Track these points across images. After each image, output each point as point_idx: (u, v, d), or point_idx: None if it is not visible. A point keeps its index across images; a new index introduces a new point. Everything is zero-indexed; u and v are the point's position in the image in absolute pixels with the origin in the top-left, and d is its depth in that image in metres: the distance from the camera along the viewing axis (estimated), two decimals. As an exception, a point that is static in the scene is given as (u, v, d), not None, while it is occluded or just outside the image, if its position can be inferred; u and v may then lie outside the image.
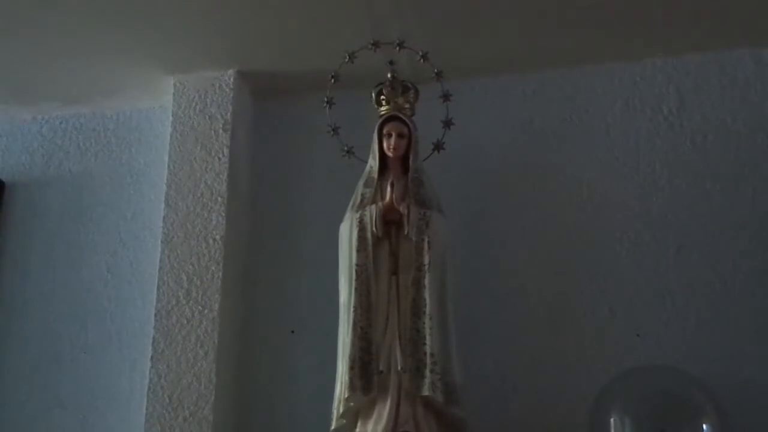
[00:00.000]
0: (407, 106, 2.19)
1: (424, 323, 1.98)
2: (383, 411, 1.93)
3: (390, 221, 2.06)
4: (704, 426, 1.91)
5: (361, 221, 2.07)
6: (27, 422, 2.46)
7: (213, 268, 2.36)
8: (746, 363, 2.15)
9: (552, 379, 2.21)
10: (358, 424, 1.96)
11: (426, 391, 1.92)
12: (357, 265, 2.03)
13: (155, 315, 2.34)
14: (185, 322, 2.33)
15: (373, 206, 2.08)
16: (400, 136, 2.13)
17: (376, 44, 2.19)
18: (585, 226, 2.37)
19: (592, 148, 2.45)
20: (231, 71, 2.55)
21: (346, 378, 1.95)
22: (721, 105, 2.41)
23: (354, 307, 2.01)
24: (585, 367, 2.18)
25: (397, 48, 2.19)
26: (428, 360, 1.95)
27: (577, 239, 2.36)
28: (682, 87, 2.44)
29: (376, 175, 2.15)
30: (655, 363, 2.10)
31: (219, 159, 2.48)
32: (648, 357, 2.13)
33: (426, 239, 2.04)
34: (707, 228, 2.30)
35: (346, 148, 2.25)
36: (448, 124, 2.22)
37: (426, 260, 2.02)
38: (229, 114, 2.52)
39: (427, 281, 2.01)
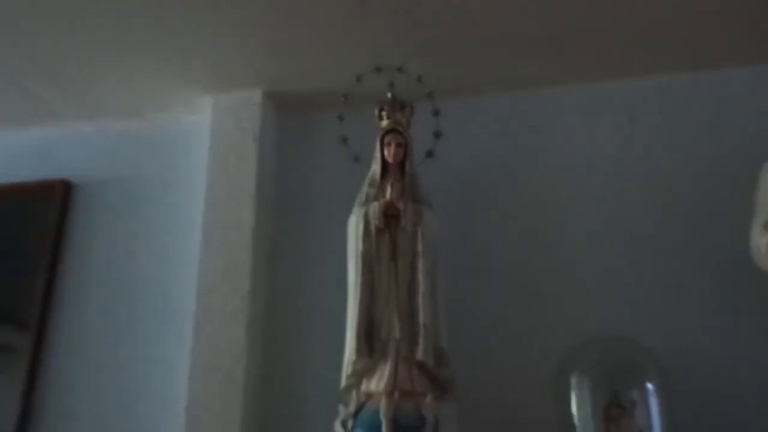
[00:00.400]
0: (404, 120, 2.26)
1: (418, 300, 2.05)
2: (384, 372, 2.00)
3: (390, 216, 2.13)
4: (648, 385, 1.99)
5: (366, 215, 2.14)
6: (91, 383, 2.50)
7: (244, 254, 2.42)
8: (685, 333, 2.19)
9: (523, 346, 2.27)
10: (363, 382, 2.03)
11: (420, 356, 2.00)
12: (363, 252, 2.10)
13: (197, 293, 2.41)
14: (221, 299, 2.38)
15: (376, 203, 2.15)
16: (398, 145, 2.21)
17: (378, 69, 2.25)
18: (550, 222, 2.42)
19: (557, 158, 2.49)
20: (259, 92, 2.61)
21: (354, 345, 2.03)
22: (666, 121, 2.46)
23: (360, 286, 2.08)
24: (551, 337, 2.24)
25: (397, 72, 2.25)
26: (421, 330, 2.02)
27: (543, 232, 2.41)
28: (635, 106, 2.49)
29: (378, 178, 2.22)
30: (609, 333, 2.15)
31: (249, 165, 2.54)
32: (603, 328, 2.18)
33: (420, 231, 2.11)
34: (654, 222, 2.35)
35: (354, 156, 2.29)
36: (437, 135, 2.26)
37: (419, 248, 2.10)
38: (257, 128, 2.58)
39: (420, 265, 2.08)
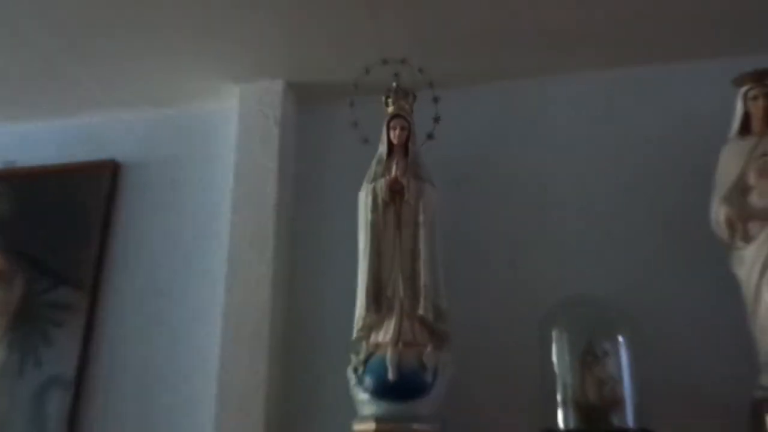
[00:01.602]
0: (407, 107, 2.24)
1: (419, 264, 2.05)
2: (390, 326, 2.01)
3: (395, 190, 2.12)
4: (620, 337, 1.99)
5: (374, 190, 2.13)
6: (137, 335, 2.51)
7: (268, 225, 2.41)
8: (651, 291, 2.19)
9: (510, 304, 2.26)
10: (372, 335, 2.04)
11: (421, 312, 2.01)
12: (371, 222, 2.10)
13: (227, 259, 2.41)
14: (248, 265, 2.38)
15: (383, 179, 2.14)
16: (402, 128, 2.20)
17: (385, 61, 2.23)
18: (534, 197, 2.40)
19: (542, 140, 2.47)
20: (281, 82, 2.59)
21: (363, 302, 2.04)
22: (640, 107, 2.43)
23: (369, 252, 2.08)
24: (534, 296, 2.21)
25: (401, 64, 2.24)
26: (422, 290, 2.02)
27: (528, 206, 2.39)
28: (612, 95, 2.46)
29: (384, 157, 2.21)
30: (585, 293, 2.13)
31: (272, 146, 2.53)
32: (579, 289, 2.15)
33: (421, 203, 2.10)
34: (625, 196, 2.33)
35: (363, 138, 2.27)
36: (437, 119, 2.25)
37: (421, 219, 2.09)
38: (279, 113, 2.56)
39: (421, 234, 2.08)
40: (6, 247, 2.70)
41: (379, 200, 2.13)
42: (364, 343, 2.06)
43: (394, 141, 2.22)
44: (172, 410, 2.38)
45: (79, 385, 2.45)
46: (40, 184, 2.77)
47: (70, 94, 2.73)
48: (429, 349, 2.00)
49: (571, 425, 1.93)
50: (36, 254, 2.66)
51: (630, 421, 1.92)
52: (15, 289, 2.63)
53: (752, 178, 1.98)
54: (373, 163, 2.24)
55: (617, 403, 1.92)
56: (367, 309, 2.04)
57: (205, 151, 2.73)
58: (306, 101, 2.67)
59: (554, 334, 2.05)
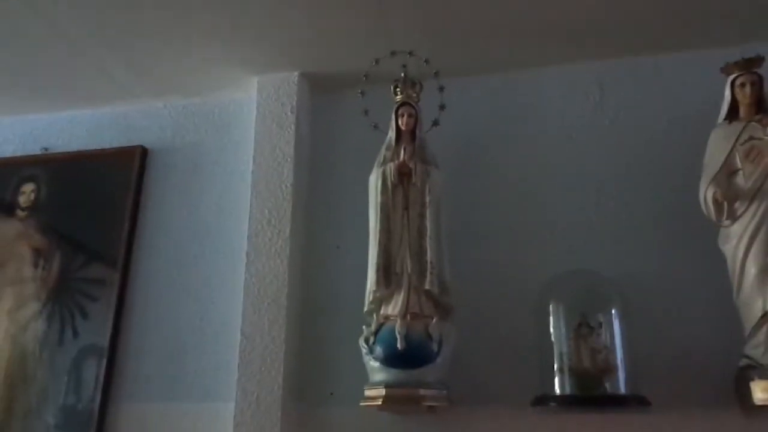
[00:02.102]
0: (414, 95, 2.24)
1: (425, 242, 2.06)
2: (399, 299, 2.03)
3: (403, 173, 2.13)
4: (612, 310, 2.01)
5: (383, 173, 2.14)
6: (166, 308, 2.52)
7: (285, 204, 2.41)
8: (642, 266, 2.16)
9: (510, 278, 2.23)
10: (382, 307, 2.05)
11: (427, 286, 2.02)
12: (381, 203, 2.11)
13: (247, 236, 2.39)
14: (267, 240, 2.37)
15: (392, 163, 2.15)
16: (410, 116, 2.20)
17: (393, 53, 2.23)
18: (533, 178, 2.37)
19: (540, 125, 2.43)
20: (296, 73, 2.57)
21: (374, 277, 2.05)
22: (630, 95, 2.39)
23: (379, 231, 2.09)
24: (533, 271, 2.19)
25: (408, 56, 2.23)
26: (428, 266, 2.03)
27: (527, 187, 2.36)
28: (603, 83, 2.43)
29: (393, 143, 2.21)
30: (580, 268, 2.12)
31: (288, 133, 2.51)
32: (575, 264, 2.15)
33: (427, 185, 2.11)
34: (618, 177, 2.30)
35: (373, 125, 2.28)
36: (442, 107, 2.25)
37: (427, 200, 2.10)
38: (295, 102, 2.54)
39: (427, 214, 2.09)
40: (44, 228, 2.71)
41: (389, 182, 2.13)
42: (374, 316, 2.07)
43: (402, 127, 2.22)
44: (198, 374, 2.40)
45: (113, 353, 2.48)
46: (75, 168, 2.77)
47: (103, 85, 2.71)
48: (434, 320, 2.01)
49: (567, 391, 1.94)
50: (71, 234, 2.67)
51: (622, 387, 1.92)
52: (53, 266, 2.65)
53: (738, 161, 1.98)
54: (383, 148, 2.23)
55: (610, 370, 1.92)
56: (378, 284, 2.04)
57: (227, 137, 2.73)
58: (320, 91, 2.65)
59: (551, 306, 2.05)
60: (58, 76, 2.67)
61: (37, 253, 2.68)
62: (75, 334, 2.52)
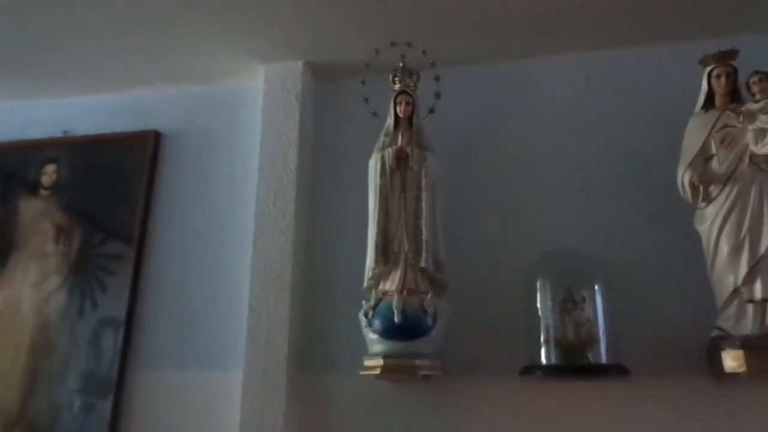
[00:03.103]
0: (412, 84, 2.25)
1: (421, 222, 2.07)
2: (396, 276, 2.05)
3: (401, 158, 2.14)
4: (596, 286, 2.02)
5: (382, 157, 2.15)
6: (179, 282, 2.52)
7: (289, 186, 2.41)
8: (624, 245, 2.17)
9: (501, 256, 2.25)
10: (380, 283, 2.07)
11: (423, 264, 2.04)
12: (379, 185, 2.12)
13: (254, 216, 2.41)
14: (272, 220, 2.38)
15: (390, 148, 2.16)
16: (407, 103, 2.22)
17: (392, 44, 2.24)
18: (523, 163, 2.37)
19: (530, 113, 2.43)
20: (301, 62, 2.57)
21: (373, 255, 2.07)
22: (615, 85, 2.39)
23: (377, 212, 2.10)
24: (521, 250, 2.20)
25: (407, 46, 2.24)
26: (424, 245, 2.05)
27: (517, 171, 2.36)
28: (590, 74, 2.43)
29: (391, 129, 2.22)
30: (566, 247, 2.14)
31: (293, 119, 2.51)
32: (562, 243, 2.16)
33: (423, 170, 2.12)
34: (603, 162, 2.30)
35: (373, 112, 2.28)
36: (438, 96, 2.25)
37: (423, 183, 2.11)
38: (299, 90, 2.54)
39: (424, 196, 2.10)
40: (65, 206, 2.73)
41: (387, 166, 2.14)
42: (373, 291, 2.08)
43: (400, 114, 2.22)
44: (208, 344, 2.42)
45: (129, 324, 2.51)
46: (93, 150, 2.78)
47: (120, 71, 2.72)
48: (429, 296, 2.03)
49: (553, 361, 1.97)
50: (91, 212, 2.69)
51: (604, 357, 1.95)
52: (74, 243, 2.67)
53: (714, 147, 2.00)
54: (382, 134, 2.24)
55: (593, 342, 1.95)
56: (376, 261, 2.06)
57: (235, 122, 2.72)
58: (323, 79, 2.64)
59: (538, 282, 2.07)
60: (78, 62, 2.68)
61: (59, 229, 2.70)
62: (94, 305, 2.56)
